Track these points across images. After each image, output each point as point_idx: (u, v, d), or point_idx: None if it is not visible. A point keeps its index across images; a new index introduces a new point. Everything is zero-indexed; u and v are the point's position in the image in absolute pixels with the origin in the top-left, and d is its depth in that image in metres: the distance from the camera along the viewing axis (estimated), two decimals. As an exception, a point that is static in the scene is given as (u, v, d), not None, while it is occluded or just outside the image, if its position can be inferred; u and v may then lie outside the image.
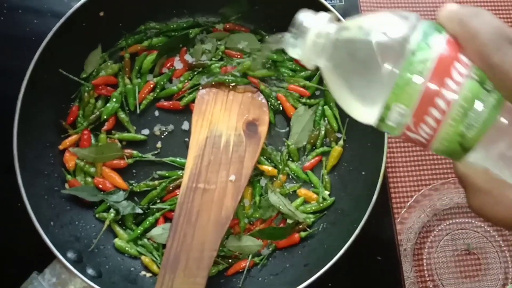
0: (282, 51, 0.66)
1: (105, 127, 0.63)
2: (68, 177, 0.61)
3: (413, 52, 0.26)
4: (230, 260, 0.61)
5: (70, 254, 0.54)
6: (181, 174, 0.62)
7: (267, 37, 0.67)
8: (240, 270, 0.60)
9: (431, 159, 0.71)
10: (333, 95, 0.32)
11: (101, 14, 0.61)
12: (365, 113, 0.30)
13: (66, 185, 0.61)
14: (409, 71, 0.26)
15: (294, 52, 0.33)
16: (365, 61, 0.28)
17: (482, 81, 0.26)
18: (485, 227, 0.70)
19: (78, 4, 0.57)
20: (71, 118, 0.63)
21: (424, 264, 0.68)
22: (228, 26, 0.68)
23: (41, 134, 0.59)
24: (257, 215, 0.62)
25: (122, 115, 0.64)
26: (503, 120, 0.27)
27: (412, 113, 0.27)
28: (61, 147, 0.61)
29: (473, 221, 0.70)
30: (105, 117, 0.63)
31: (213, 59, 0.67)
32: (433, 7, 0.78)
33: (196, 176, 0.59)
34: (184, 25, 0.67)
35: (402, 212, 0.68)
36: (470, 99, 0.26)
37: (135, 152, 0.63)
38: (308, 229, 0.62)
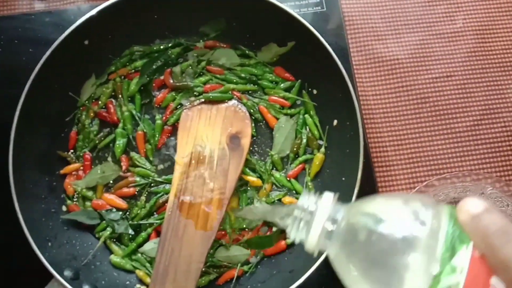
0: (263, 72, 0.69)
1: (123, 169, 0.66)
2: (69, 202, 0.64)
3: (437, 278, 0.22)
4: (220, 270, 0.63)
5: (67, 272, 0.57)
6: (168, 189, 0.64)
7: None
8: (230, 279, 0.62)
9: (426, 155, 0.71)
10: (343, 282, 0.29)
11: (86, 42, 0.64)
12: None
13: (63, 207, 0.64)
14: None
15: (298, 237, 0.31)
16: (382, 256, 0.25)
17: None
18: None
19: (62, 36, 0.61)
20: (72, 143, 0.66)
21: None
22: (208, 43, 0.70)
23: (36, 160, 0.62)
24: (244, 226, 0.64)
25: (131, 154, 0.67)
26: None
27: None
28: (62, 171, 0.65)
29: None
30: (118, 156, 0.66)
31: (195, 78, 0.69)
32: (419, 16, 0.77)
33: (182, 191, 0.62)
34: (167, 45, 0.69)
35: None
36: None
37: (137, 179, 0.66)
38: (294, 236, 0.63)
